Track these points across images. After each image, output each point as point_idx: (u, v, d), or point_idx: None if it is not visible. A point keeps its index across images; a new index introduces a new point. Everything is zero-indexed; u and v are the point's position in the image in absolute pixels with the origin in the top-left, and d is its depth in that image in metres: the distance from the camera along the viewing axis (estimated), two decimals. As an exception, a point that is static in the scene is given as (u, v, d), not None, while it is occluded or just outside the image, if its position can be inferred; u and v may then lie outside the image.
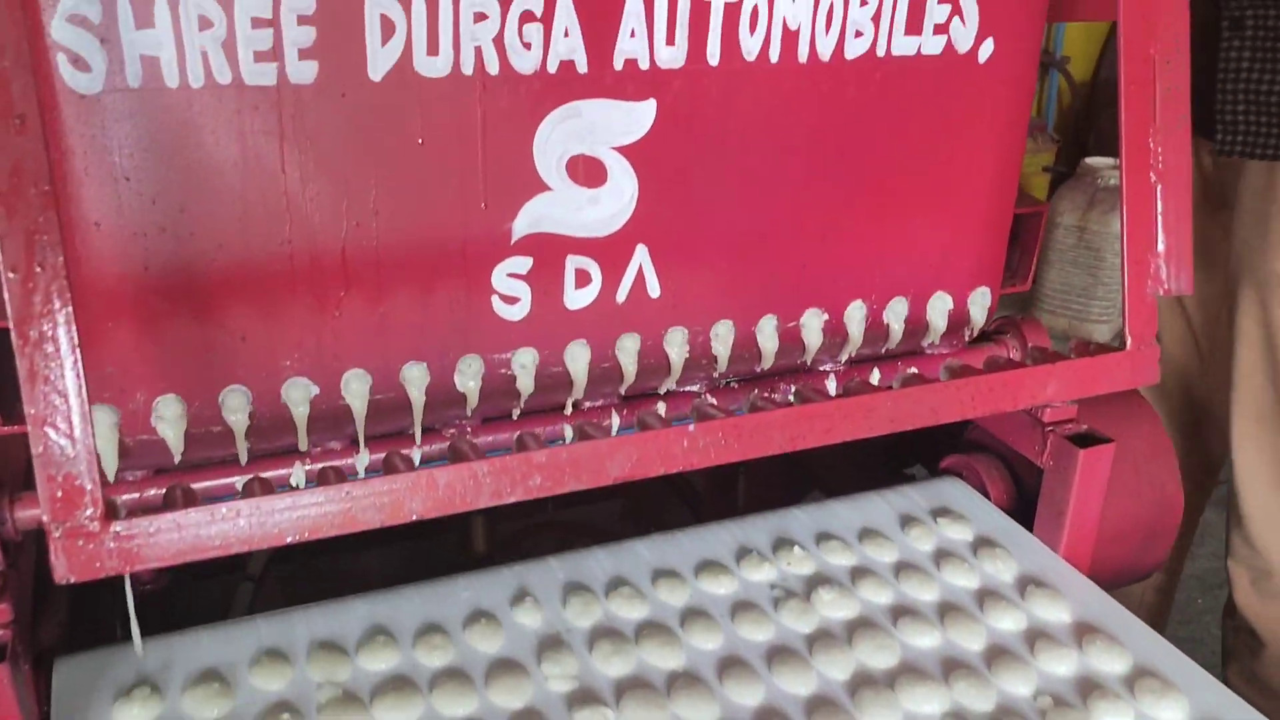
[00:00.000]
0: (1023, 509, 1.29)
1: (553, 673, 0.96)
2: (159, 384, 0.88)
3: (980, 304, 1.18)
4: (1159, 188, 0.98)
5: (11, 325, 0.67)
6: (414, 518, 0.80)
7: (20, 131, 0.66)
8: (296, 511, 0.76)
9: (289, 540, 0.76)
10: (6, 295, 0.67)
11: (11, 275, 0.65)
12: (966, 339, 1.21)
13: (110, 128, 0.78)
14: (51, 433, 0.68)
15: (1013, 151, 1.12)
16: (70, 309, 0.68)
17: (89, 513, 0.69)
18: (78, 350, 0.68)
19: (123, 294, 0.84)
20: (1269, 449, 1.62)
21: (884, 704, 0.94)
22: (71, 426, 0.68)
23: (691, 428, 0.87)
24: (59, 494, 0.68)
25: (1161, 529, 1.39)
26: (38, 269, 0.66)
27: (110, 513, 0.71)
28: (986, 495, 1.32)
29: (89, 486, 0.69)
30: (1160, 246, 0.99)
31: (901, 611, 1.08)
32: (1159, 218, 0.99)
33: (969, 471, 1.36)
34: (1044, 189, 4.11)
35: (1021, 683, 0.98)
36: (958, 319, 1.18)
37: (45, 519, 0.68)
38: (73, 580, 0.70)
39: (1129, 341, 1.02)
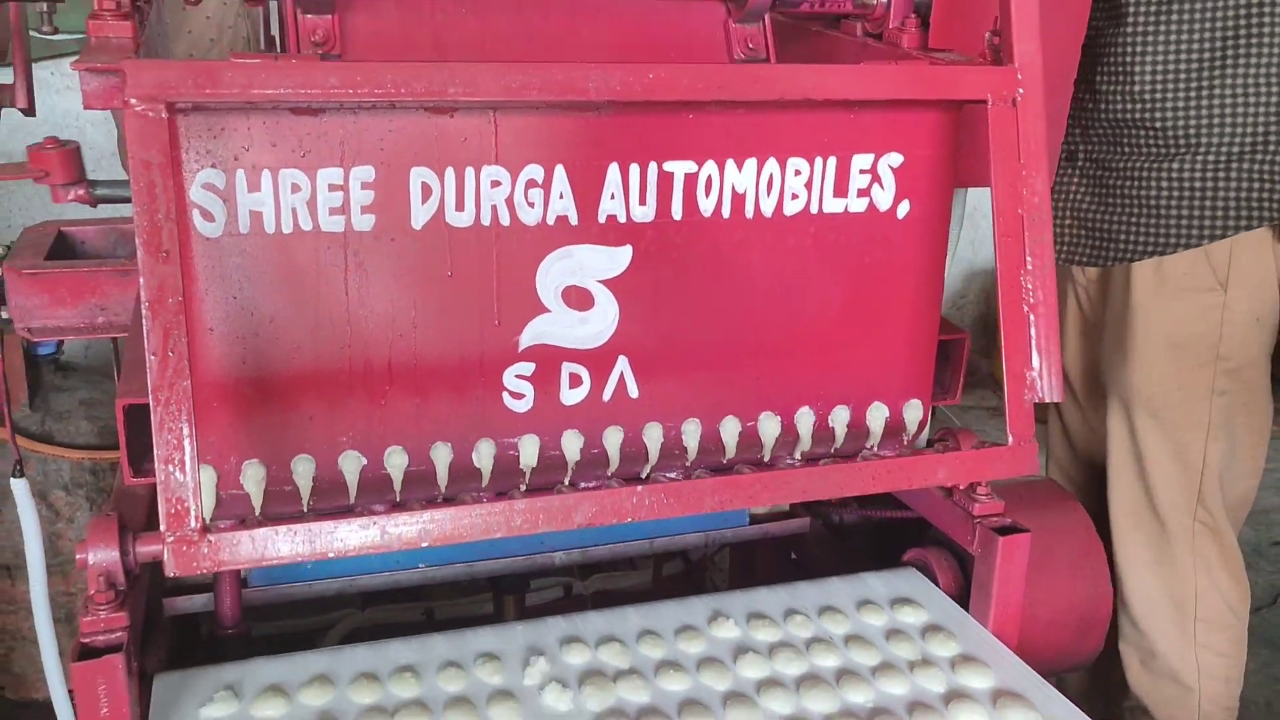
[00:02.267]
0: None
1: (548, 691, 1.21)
2: (247, 451, 1.17)
3: (913, 413, 1.42)
4: (1031, 318, 1.23)
5: (150, 393, 0.97)
6: (428, 544, 1.06)
7: (166, 261, 0.97)
8: (339, 535, 1.04)
9: (330, 555, 1.03)
10: (149, 373, 0.97)
11: (153, 357, 0.96)
12: (905, 443, 1.44)
13: (225, 260, 1.10)
14: (172, 469, 0.97)
15: (932, 288, 1.38)
16: (189, 384, 0.98)
17: (192, 526, 0.97)
18: (193, 415, 0.98)
19: (225, 382, 1.14)
20: (1144, 541, 1.80)
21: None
22: (185, 467, 0.97)
23: (638, 489, 1.13)
24: (173, 511, 0.97)
25: (1095, 619, 1.58)
26: (170, 354, 0.96)
27: (206, 529, 0.99)
28: (936, 583, 1.54)
29: (193, 509, 0.97)
30: (1035, 363, 1.23)
31: (845, 672, 1.29)
32: (1032, 341, 1.23)
33: (924, 562, 1.58)
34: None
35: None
36: (894, 425, 1.42)
37: (163, 529, 0.97)
38: (177, 574, 0.98)
39: (1010, 439, 1.25)
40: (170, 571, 0.99)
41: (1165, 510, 1.78)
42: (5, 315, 1.51)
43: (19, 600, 2.31)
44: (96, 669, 1.08)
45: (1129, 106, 1.73)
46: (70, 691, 1.39)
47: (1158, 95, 1.70)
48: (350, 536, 1.05)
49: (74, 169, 1.14)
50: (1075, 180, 1.81)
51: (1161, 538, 1.79)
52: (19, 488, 1.84)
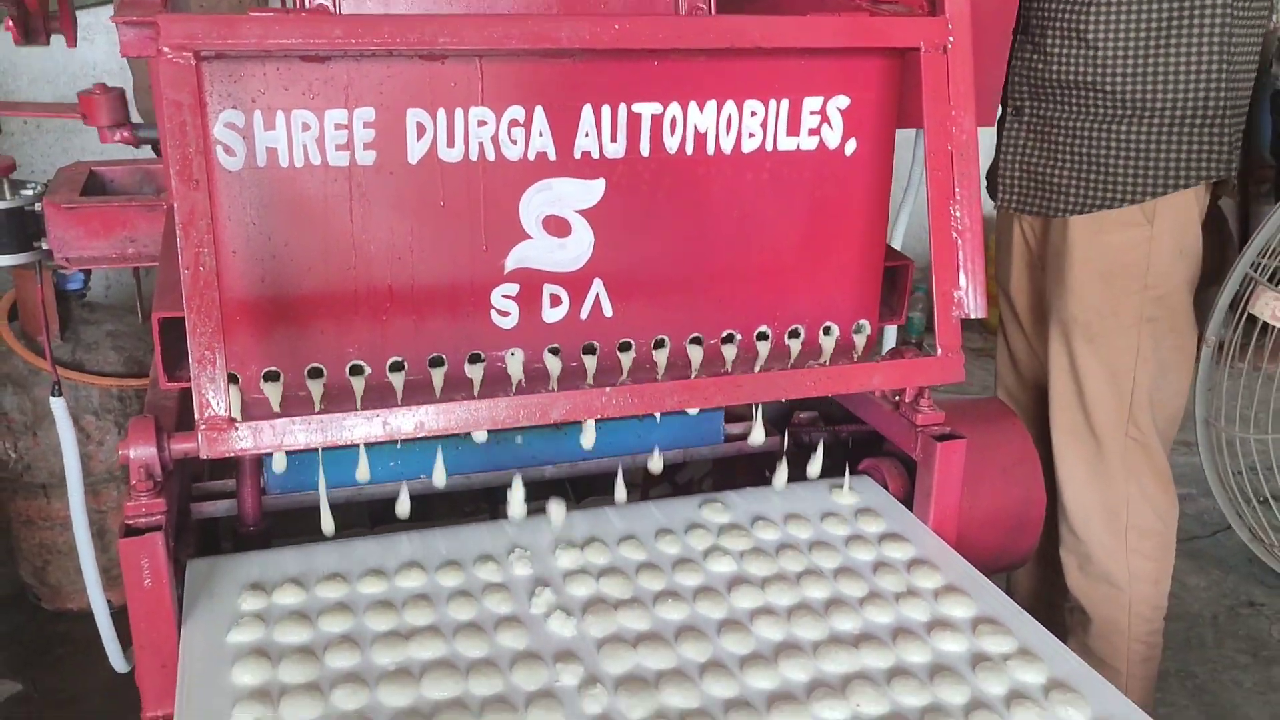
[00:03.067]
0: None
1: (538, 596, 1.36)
2: (266, 360, 1.33)
3: (862, 333, 1.58)
4: (959, 242, 1.39)
5: (185, 302, 1.13)
6: (422, 435, 1.23)
7: (196, 189, 1.13)
8: (348, 425, 1.21)
9: (339, 442, 1.20)
10: (184, 286, 1.13)
11: (186, 271, 1.12)
12: (855, 359, 1.60)
13: (245, 191, 1.26)
14: (205, 367, 1.13)
15: (877, 218, 1.53)
16: (217, 295, 1.14)
17: (222, 412, 1.14)
18: (220, 321, 1.14)
19: (246, 299, 1.30)
20: (1081, 456, 1.97)
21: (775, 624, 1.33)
22: (215, 364, 1.14)
23: (607, 390, 1.29)
24: (206, 402, 1.14)
25: (1028, 521, 1.75)
26: (200, 269, 1.13)
27: (233, 420, 1.16)
28: (887, 489, 1.71)
29: (223, 401, 1.14)
30: (961, 283, 1.39)
31: (811, 570, 1.46)
32: (960, 263, 1.39)
33: (876, 471, 1.75)
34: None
35: (881, 614, 1.36)
36: (845, 343, 1.58)
37: (197, 418, 1.14)
38: (210, 456, 1.15)
39: (939, 350, 1.41)
40: (204, 454, 1.16)
41: (1100, 428, 1.94)
42: (45, 246, 1.68)
43: (54, 517, 2.50)
44: (140, 545, 1.26)
45: (1081, 69, 1.85)
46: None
47: (1111, 60, 1.83)
48: (357, 428, 1.22)
49: (119, 112, 1.30)
50: (1023, 135, 1.95)
51: (1097, 454, 1.96)
52: (58, 405, 2.03)
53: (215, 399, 1.15)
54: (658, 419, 1.56)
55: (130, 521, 1.29)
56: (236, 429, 1.17)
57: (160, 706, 1.30)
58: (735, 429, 1.91)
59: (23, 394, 2.42)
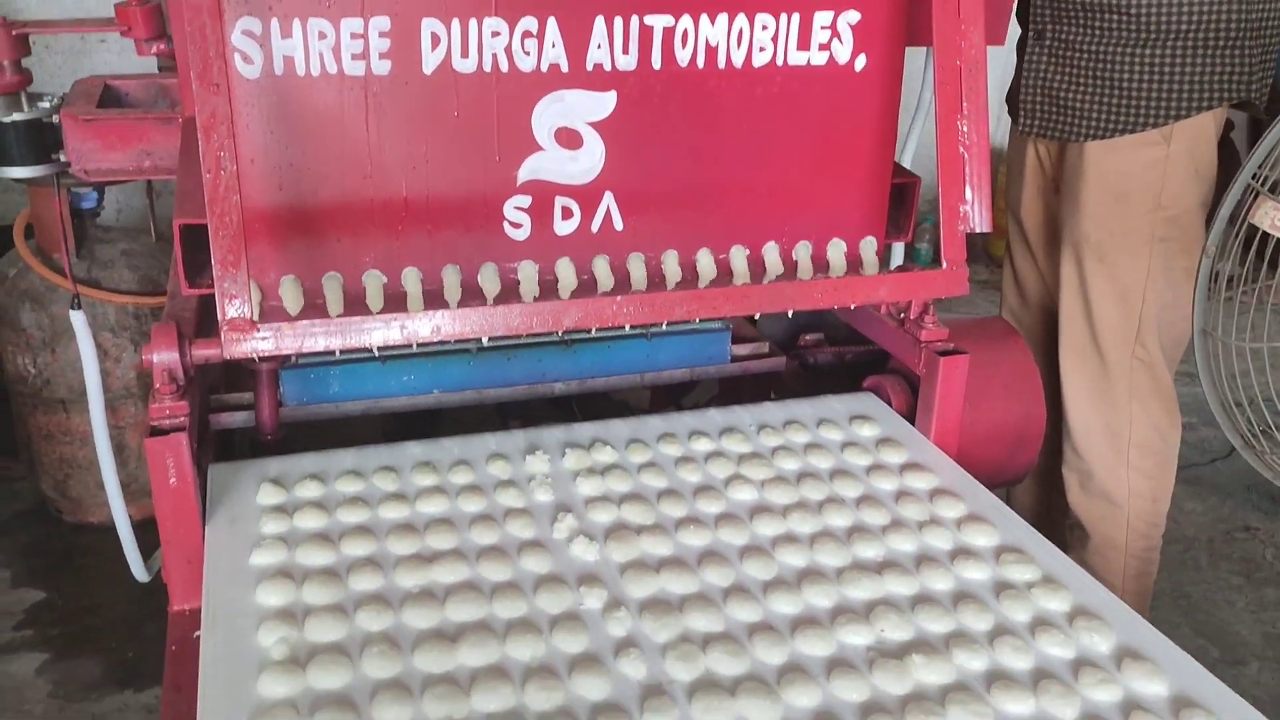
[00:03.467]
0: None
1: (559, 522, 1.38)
2: (285, 268, 1.36)
3: (869, 249, 1.60)
4: (965, 156, 1.40)
5: (207, 206, 1.16)
6: (438, 339, 1.26)
7: (216, 92, 1.15)
8: (366, 328, 1.24)
9: (357, 345, 1.23)
10: (205, 189, 1.15)
11: (208, 175, 1.15)
12: (861, 274, 1.63)
13: (263, 99, 1.28)
14: (227, 269, 1.16)
15: (885, 135, 1.55)
16: (239, 198, 1.17)
17: (244, 314, 1.17)
18: (242, 223, 1.17)
19: (265, 207, 1.33)
20: (1086, 375, 2.00)
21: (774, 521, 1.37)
22: (238, 265, 1.17)
23: (618, 298, 1.32)
24: (228, 305, 1.17)
25: (1028, 436, 1.78)
26: (222, 171, 1.15)
27: (254, 322, 1.19)
28: (890, 404, 1.74)
29: (244, 303, 1.17)
30: (968, 196, 1.41)
31: (807, 473, 1.50)
32: (966, 177, 1.41)
33: (880, 388, 1.78)
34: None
35: (876, 515, 1.40)
36: (852, 260, 1.60)
37: (220, 320, 1.17)
38: (231, 357, 1.18)
39: (945, 264, 1.44)
40: (226, 354, 1.19)
41: (1107, 348, 1.96)
42: (62, 159, 1.70)
43: (74, 431, 2.55)
44: (165, 445, 1.30)
45: None
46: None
47: None
48: (375, 331, 1.25)
49: (155, 25, 1.31)
50: (1044, 59, 1.95)
51: (1102, 373, 1.98)
52: (78, 319, 2.06)
53: (237, 301, 1.18)
54: (663, 326, 1.57)
55: (155, 423, 1.33)
56: (258, 330, 1.20)
57: (187, 601, 1.35)
58: (742, 350, 1.94)
59: (40, 310, 2.46)
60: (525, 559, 1.28)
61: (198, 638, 1.27)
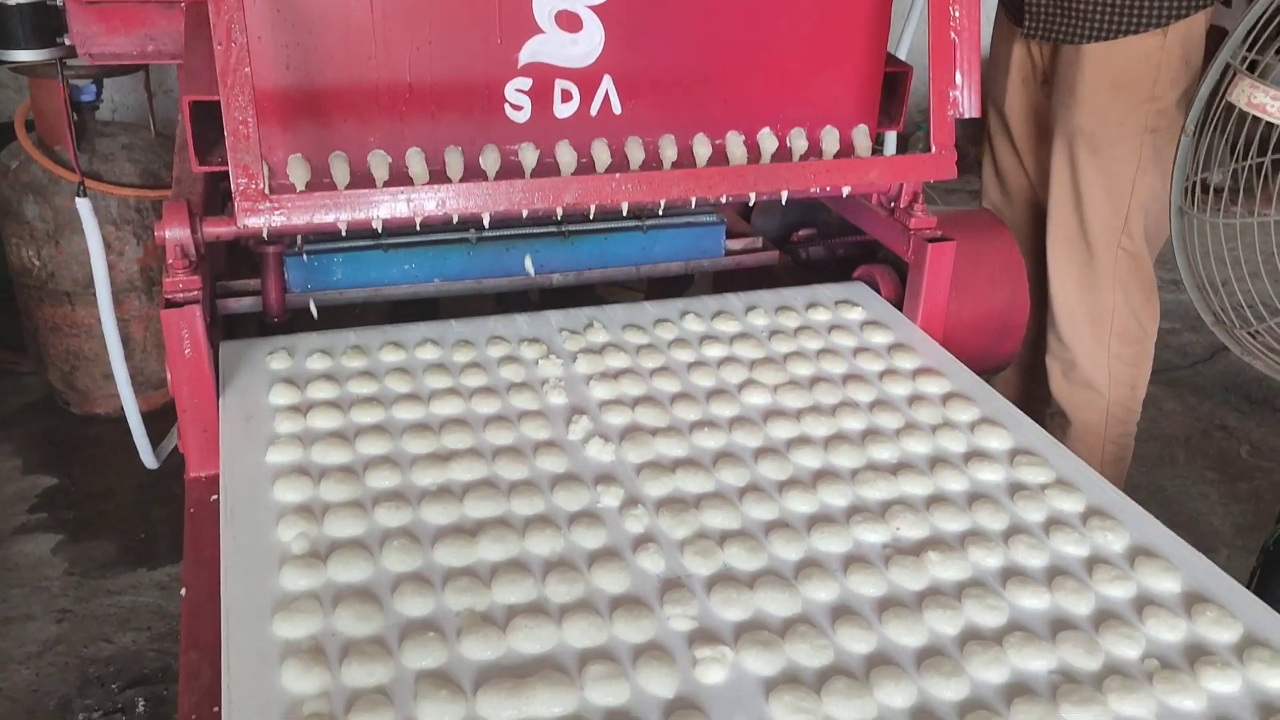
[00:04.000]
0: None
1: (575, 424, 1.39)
2: (292, 147, 1.40)
3: (861, 136, 1.63)
4: (956, 41, 1.43)
5: (219, 78, 1.19)
6: (443, 212, 1.31)
7: (227, -32, 1.17)
8: (375, 201, 1.28)
9: (365, 218, 1.27)
10: (217, 62, 1.19)
11: (219, 47, 1.18)
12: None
13: (270, -24, 1.30)
14: (241, 142, 1.20)
15: (879, 24, 1.57)
16: (249, 71, 1.20)
17: (257, 185, 1.21)
18: (253, 96, 1.20)
19: (273, 86, 1.36)
20: (1073, 265, 2.06)
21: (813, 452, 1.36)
22: (249, 138, 1.21)
23: (618, 176, 1.36)
24: (241, 175, 1.21)
25: (1012, 325, 1.84)
26: (233, 44, 1.18)
27: (266, 194, 1.24)
28: (879, 292, 1.79)
29: (257, 176, 1.22)
30: (958, 82, 1.44)
31: (796, 353, 1.56)
32: (956, 62, 1.44)
33: (870, 277, 1.83)
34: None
35: (863, 393, 1.46)
36: (845, 147, 1.64)
37: (234, 191, 1.21)
38: (246, 227, 1.23)
39: (934, 148, 1.48)
40: (240, 224, 1.24)
41: (1094, 238, 2.02)
42: (68, 42, 1.72)
43: (80, 324, 2.59)
44: (179, 316, 1.35)
45: None
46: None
47: None
48: (382, 205, 1.30)
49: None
50: None
51: (1088, 263, 2.04)
52: (83, 205, 2.09)
53: (250, 172, 1.22)
54: (662, 207, 1.61)
55: (169, 296, 1.38)
56: (269, 202, 1.24)
57: (203, 468, 1.41)
58: (736, 245, 1.99)
59: (43, 202, 2.49)
60: (541, 459, 1.28)
61: (214, 500, 1.34)
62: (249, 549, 1.12)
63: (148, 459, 2.39)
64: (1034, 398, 2.26)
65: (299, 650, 0.99)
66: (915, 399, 1.46)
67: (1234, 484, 2.61)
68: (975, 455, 1.33)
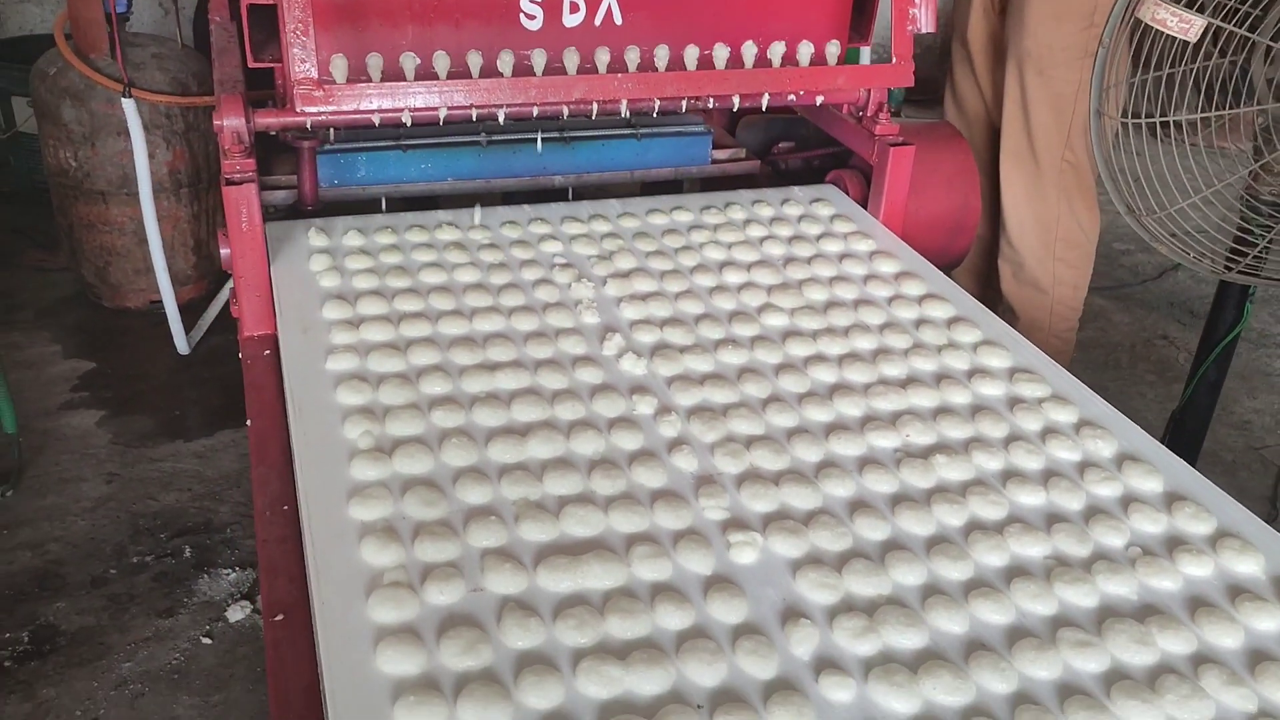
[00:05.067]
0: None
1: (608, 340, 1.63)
2: (335, 49, 1.60)
3: (832, 49, 1.85)
4: (915, -35, 1.64)
5: (280, -17, 1.39)
6: (470, 104, 1.52)
7: (288, -115, 1.38)
8: (412, 91, 1.50)
9: (402, 107, 1.49)
10: (278, -32, 1.39)
11: (283, -44, 1.38)
12: (825, 73, 1.88)
13: (319, -105, 1.50)
14: (298, 36, 1.41)
15: (850, -53, 1.78)
16: (306, -22, 1.40)
17: (313, 74, 1.43)
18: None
19: (319, -8, 1.56)
20: (1022, 176, 2.30)
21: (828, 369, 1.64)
22: (306, 34, 1.41)
23: (619, 75, 1.58)
24: (297, 66, 1.42)
25: (964, 224, 2.08)
26: (294, -46, 1.39)
27: (320, 82, 1.45)
28: (848, 194, 2.02)
29: (313, 65, 1.43)
30: (917, 0, 1.66)
31: (770, 238, 1.80)
32: (915, -17, 1.65)
33: (840, 181, 2.06)
34: None
35: (847, 290, 1.69)
36: (819, 60, 1.85)
37: (291, 78, 1.42)
38: (304, 111, 1.44)
39: (894, 59, 1.70)
40: (298, 108, 1.45)
41: (1041, 152, 2.24)
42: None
43: (113, 222, 2.79)
44: (239, 193, 1.57)
45: None
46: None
47: None
48: (418, 96, 1.52)
49: None
50: None
51: (1036, 175, 2.27)
52: (129, 105, 2.30)
53: (306, 64, 1.43)
54: (656, 108, 1.81)
55: (229, 176, 1.59)
56: (323, 90, 1.46)
57: (257, 328, 1.64)
58: (721, 155, 2.21)
59: (80, 107, 2.67)
60: (579, 371, 1.40)
61: (267, 355, 1.57)
62: (319, 445, 1.23)
63: (181, 345, 2.61)
64: (985, 299, 2.49)
65: (375, 530, 1.10)
66: (871, 277, 1.69)
67: (1170, 385, 2.86)
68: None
